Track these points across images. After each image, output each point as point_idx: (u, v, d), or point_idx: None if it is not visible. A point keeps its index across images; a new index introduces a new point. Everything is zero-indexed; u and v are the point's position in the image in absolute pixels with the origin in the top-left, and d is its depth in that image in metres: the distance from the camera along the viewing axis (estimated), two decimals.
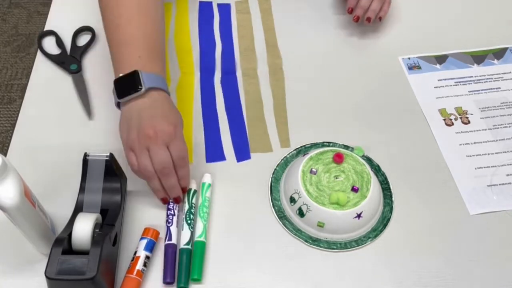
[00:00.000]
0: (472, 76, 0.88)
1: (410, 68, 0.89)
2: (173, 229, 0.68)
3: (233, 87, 0.86)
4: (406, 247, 0.69)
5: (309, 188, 0.69)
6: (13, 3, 2.08)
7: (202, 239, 0.67)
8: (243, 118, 0.82)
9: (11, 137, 0.79)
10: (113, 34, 0.72)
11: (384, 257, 0.68)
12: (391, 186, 0.74)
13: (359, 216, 0.68)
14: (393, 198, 0.73)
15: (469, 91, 0.86)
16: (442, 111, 0.83)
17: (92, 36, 0.91)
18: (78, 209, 0.65)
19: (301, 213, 0.69)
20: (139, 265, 0.64)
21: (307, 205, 0.68)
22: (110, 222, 0.65)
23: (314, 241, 0.69)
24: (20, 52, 1.92)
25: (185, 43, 0.92)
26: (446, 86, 0.87)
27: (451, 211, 0.72)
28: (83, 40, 0.91)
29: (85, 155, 0.67)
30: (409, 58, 0.90)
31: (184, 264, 0.65)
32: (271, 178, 0.74)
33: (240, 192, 0.73)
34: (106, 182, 0.66)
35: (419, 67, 0.89)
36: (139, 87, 0.67)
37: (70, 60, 0.88)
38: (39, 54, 0.89)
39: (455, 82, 0.87)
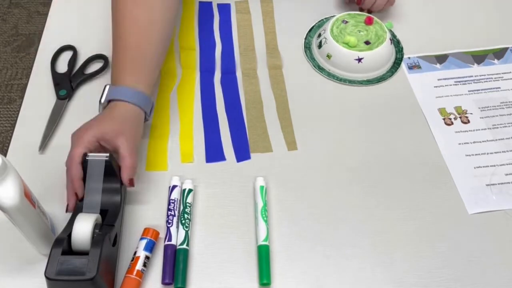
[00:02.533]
0: (472, 76, 0.88)
1: (410, 67, 0.89)
2: (173, 229, 0.68)
3: (233, 87, 0.86)
4: (405, 247, 0.69)
5: (334, 29, 0.87)
6: (13, 3, 2.08)
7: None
8: (243, 118, 0.82)
9: (11, 137, 0.79)
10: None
11: (384, 257, 0.68)
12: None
13: (359, 60, 0.84)
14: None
15: (469, 91, 0.86)
16: (442, 111, 0.83)
17: (103, 65, 0.86)
18: (78, 209, 0.65)
19: (319, 45, 0.88)
20: (139, 265, 0.64)
21: (325, 38, 0.87)
22: (110, 222, 0.65)
23: (321, 69, 0.87)
24: (20, 52, 1.92)
25: (189, 42, 0.92)
26: (446, 85, 0.87)
27: (450, 210, 0.72)
28: (94, 67, 0.87)
29: (85, 155, 0.66)
30: (409, 58, 0.90)
31: (181, 264, 0.65)
32: (315, 24, 0.94)
33: (240, 192, 0.73)
34: (106, 182, 0.66)
35: (419, 67, 0.89)
36: (100, 100, 0.72)
37: (64, 85, 0.83)
38: (39, 54, 0.89)
39: (455, 82, 0.87)
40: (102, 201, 0.65)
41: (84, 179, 0.66)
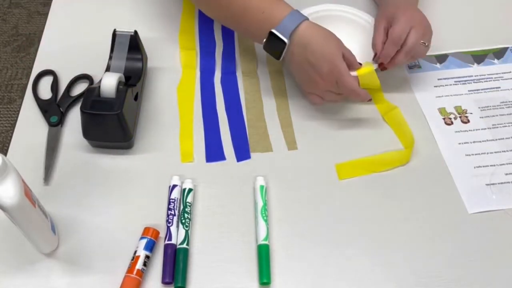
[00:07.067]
0: (472, 76, 0.88)
1: (410, 67, 0.89)
2: (173, 229, 0.68)
3: (233, 87, 0.86)
4: (405, 247, 0.69)
5: None
6: (13, 3, 2.08)
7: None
8: (243, 118, 0.82)
9: (11, 137, 0.79)
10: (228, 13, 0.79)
11: (384, 257, 0.68)
12: None
13: None
14: None
15: (469, 90, 0.86)
16: (442, 110, 0.83)
17: (89, 84, 0.83)
18: (107, 71, 0.77)
19: None
20: (139, 265, 0.64)
21: None
22: (132, 83, 0.78)
23: None
24: (20, 52, 1.92)
25: (189, 42, 0.92)
26: (446, 85, 0.87)
27: (450, 209, 0.72)
28: (79, 89, 0.84)
29: (114, 31, 0.79)
30: None
31: (181, 263, 0.66)
32: None
33: (240, 192, 0.73)
34: (130, 54, 0.79)
35: (419, 66, 0.89)
36: (283, 44, 0.74)
37: (53, 111, 0.80)
38: (39, 54, 0.89)
39: (455, 81, 0.87)
40: (127, 67, 0.78)
41: (112, 49, 0.78)
